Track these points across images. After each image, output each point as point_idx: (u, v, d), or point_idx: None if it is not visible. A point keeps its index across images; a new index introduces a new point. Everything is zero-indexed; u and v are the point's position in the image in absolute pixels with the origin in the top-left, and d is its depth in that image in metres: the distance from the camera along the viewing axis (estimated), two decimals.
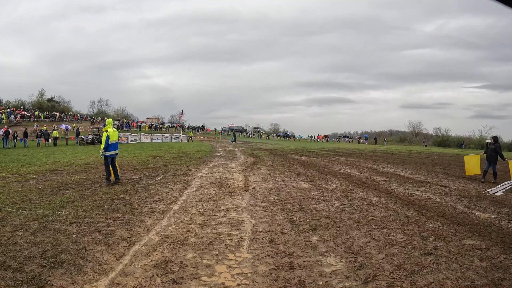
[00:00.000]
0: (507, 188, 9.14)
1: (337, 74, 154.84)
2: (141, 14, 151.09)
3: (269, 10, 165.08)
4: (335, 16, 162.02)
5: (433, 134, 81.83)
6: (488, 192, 9.20)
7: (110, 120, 12.32)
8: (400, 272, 4.49)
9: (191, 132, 61.85)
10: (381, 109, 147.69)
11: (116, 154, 11.92)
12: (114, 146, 11.78)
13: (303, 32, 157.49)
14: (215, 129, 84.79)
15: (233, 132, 63.14)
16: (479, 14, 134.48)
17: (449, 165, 20.93)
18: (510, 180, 9.74)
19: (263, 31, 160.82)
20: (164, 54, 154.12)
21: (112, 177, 11.66)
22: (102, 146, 11.44)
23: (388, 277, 4.36)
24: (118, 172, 12.05)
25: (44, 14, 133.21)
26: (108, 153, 11.51)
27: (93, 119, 73.47)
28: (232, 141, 49.12)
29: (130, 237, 5.95)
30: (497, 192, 8.96)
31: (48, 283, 4.23)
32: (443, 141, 73.13)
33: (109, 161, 11.56)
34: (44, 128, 42.53)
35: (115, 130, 12.09)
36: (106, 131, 11.57)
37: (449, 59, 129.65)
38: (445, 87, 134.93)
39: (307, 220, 7.03)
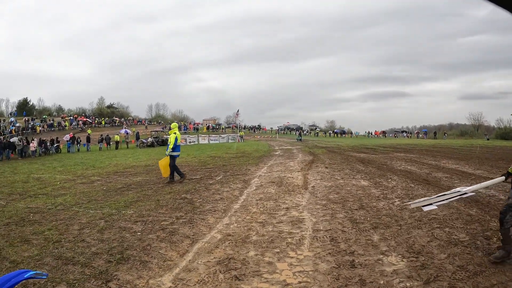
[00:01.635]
0: (450, 199, 4.99)
1: (391, 67, 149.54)
2: (192, 20, 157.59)
3: (317, 6, 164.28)
4: (384, 7, 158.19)
5: (495, 126, 76.72)
6: (410, 204, 5.99)
7: (175, 124, 13.52)
8: (462, 273, 4.30)
9: (242, 132, 62.53)
10: (439, 101, 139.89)
11: (179, 155, 12.88)
12: (179, 147, 12.81)
13: (353, 26, 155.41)
14: (271, 128, 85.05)
15: (299, 131, 63.70)
16: None
17: None
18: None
19: (313, 28, 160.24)
20: (217, 57, 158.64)
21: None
22: (171, 146, 12.31)
23: (450, 277, 4.20)
24: (180, 170, 12.84)
25: (99, 27, 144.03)
26: (175, 153, 12.45)
27: (151, 123, 76.74)
28: (298, 140, 48.80)
29: (193, 235, 6.17)
30: (428, 205, 4.96)
31: (115, 277, 4.50)
32: (507, 133, 67.58)
33: (174, 162, 12.45)
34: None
35: (179, 133, 12.96)
36: (175, 133, 12.51)
37: (508, 45, 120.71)
38: (506, 75, 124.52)
39: (368, 219, 6.90)
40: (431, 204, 4.61)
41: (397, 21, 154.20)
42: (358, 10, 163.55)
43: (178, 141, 12.54)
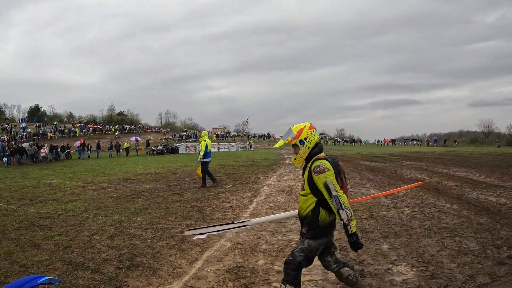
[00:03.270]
0: (227, 229, 4.89)
1: (400, 75, 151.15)
2: (203, 29, 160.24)
3: (327, 16, 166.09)
4: (393, 15, 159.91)
5: (506, 133, 77.10)
6: (185, 231, 5.97)
7: (205, 131, 14.58)
8: (472, 283, 4.27)
9: (251, 140, 62.94)
10: (449, 108, 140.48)
11: (210, 161, 13.62)
12: (210, 154, 13.54)
13: (362, 34, 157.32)
14: (281, 136, 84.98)
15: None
16: None
17: None
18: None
19: (322, 37, 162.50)
20: (228, 65, 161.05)
21: (209, 181, 13.33)
22: (202, 153, 13.13)
23: (459, 287, 4.19)
24: (213, 175, 13.58)
25: (112, 36, 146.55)
26: (206, 159, 13.20)
27: (161, 130, 77.23)
28: None
29: (202, 243, 6.19)
30: (201, 234, 4.72)
31: (124, 284, 4.55)
32: None
33: (206, 167, 13.22)
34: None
35: (209, 140, 13.69)
36: (205, 140, 13.35)
37: None
38: None
39: (377, 228, 6.88)
40: (204, 233, 4.63)
41: (405, 29, 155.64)
42: (368, 18, 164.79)
43: (208, 148, 13.30)
